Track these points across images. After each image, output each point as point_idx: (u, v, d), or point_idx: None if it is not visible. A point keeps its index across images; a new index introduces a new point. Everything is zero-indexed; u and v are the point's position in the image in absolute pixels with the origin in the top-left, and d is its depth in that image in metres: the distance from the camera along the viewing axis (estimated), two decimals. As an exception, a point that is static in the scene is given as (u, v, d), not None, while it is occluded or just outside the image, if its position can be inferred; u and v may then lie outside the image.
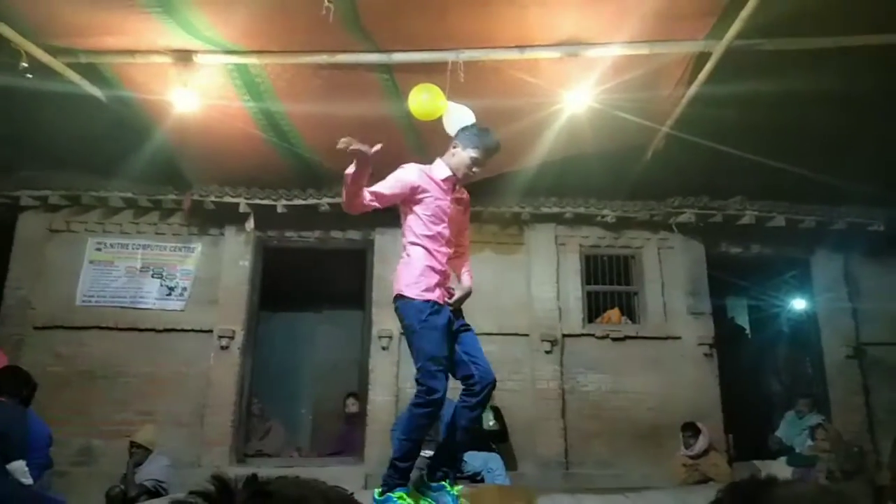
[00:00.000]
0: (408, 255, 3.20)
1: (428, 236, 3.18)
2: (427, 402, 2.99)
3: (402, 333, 6.67)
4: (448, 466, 3.28)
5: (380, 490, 3.09)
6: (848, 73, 4.55)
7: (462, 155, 3.24)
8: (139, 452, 5.53)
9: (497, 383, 6.69)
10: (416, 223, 3.20)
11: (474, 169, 3.26)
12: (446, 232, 3.22)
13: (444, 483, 3.18)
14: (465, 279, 3.38)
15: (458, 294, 3.30)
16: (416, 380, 3.05)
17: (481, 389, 3.11)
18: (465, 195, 3.43)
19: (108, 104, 5.27)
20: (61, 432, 5.75)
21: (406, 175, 3.20)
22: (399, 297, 3.15)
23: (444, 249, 3.21)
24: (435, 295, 3.11)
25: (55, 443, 5.02)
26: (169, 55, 4.61)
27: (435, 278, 3.14)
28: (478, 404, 3.15)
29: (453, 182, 3.28)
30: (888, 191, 6.41)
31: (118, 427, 6.24)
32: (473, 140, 3.25)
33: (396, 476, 3.07)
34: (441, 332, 3.06)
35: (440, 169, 3.27)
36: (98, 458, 6.23)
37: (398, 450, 3.13)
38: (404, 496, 3.02)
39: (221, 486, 0.73)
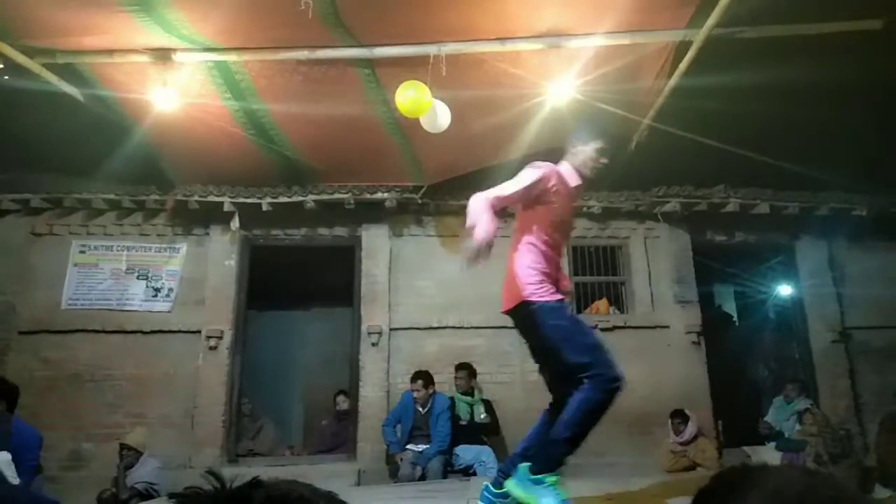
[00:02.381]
0: (527, 256, 3.03)
1: (548, 241, 3.04)
2: (612, 389, 2.82)
3: (391, 329, 6.73)
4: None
5: (531, 466, 2.91)
6: (828, 62, 4.58)
7: (586, 150, 3.11)
8: (130, 455, 5.50)
9: (488, 376, 6.75)
10: (541, 225, 3.03)
11: (602, 160, 3.12)
12: (563, 240, 3.16)
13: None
14: (567, 283, 3.29)
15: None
16: (590, 375, 2.83)
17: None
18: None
19: (88, 104, 5.21)
20: (51, 437, 5.71)
21: (541, 174, 2.99)
22: (528, 304, 2.96)
23: (557, 258, 3.12)
24: (560, 295, 3.02)
25: (45, 448, 4.99)
26: (148, 54, 4.57)
27: (552, 281, 3.04)
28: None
29: (580, 187, 3.17)
30: (870, 176, 6.48)
31: (108, 430, 6.21)
32: (592, 132, 3.15)
33: (556, 462, 2.89)
34: (580, 323, 3.01)
35: (571, 175, 3.12)
36: (89, 462, 6.19)
37: (570, 438, 2.87)
38: (557, 482, 2.87)
39: (215, 479, 0.76)
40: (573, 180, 3.12)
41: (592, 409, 2.84)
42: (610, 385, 2.82)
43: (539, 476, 2.86)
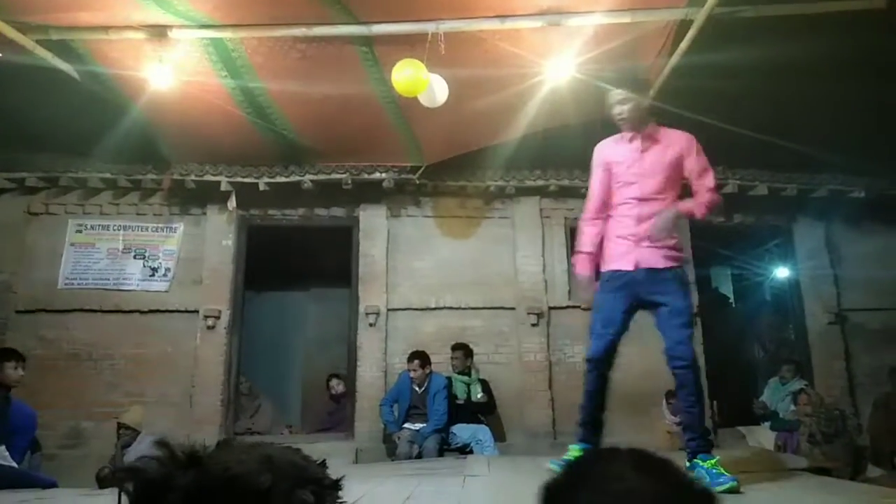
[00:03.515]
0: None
1: (617, 206, 3.30)
2: (586, 368, 3.28)
3: (389, 310, 6.76)
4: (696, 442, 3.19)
5: None
6: (828, 41, 4.54)
7: (612, 113, 3.32)
8: (127, 433, 5.52)
9: (485, 357, 6.78)
10: (611, 196, 3.34)
11: (620, 114, 3.25)
12: (637, 192, 3.23)
13: (695, 461, 3.09)
14: (637, 234, 3.22)
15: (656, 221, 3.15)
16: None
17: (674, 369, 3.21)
18: (662, 137, 3.27)
19: (83, 82, 5.16)
20: (49, 416, 5.77)
21: (594, 162, 3.41)
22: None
23: (634, 212, 3.22)
24: (615, 265, 3.24)
25: (43, 426, 5.02)
26: (143, 31, 4.51)
27: (620, 246, 3.23)
28: (679, 387, 3.22)
29: (630, 137, 3.30)
30: (868, 158, 6.46)
31: (106, 409, 6.24)
32: (609, 97, 3.33)
33: (578, 434, 3.32)
34: (608, 298, 3.24)
35: (619, 138, 3.36)
36: (88, 441, 6.23)
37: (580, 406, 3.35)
38: (575, 450, 3.18)
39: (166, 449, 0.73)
40: (624, 140, 3.31)
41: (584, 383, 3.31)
42: (586, 364, 3.28)
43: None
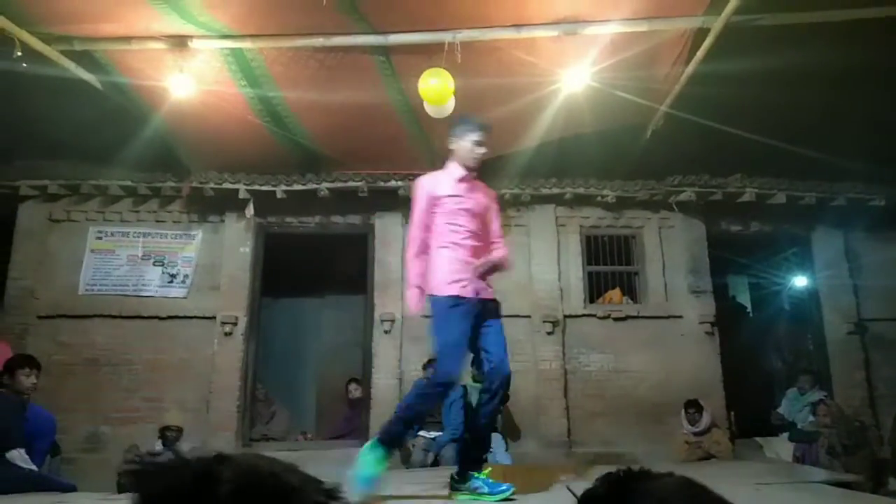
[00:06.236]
0: (434, 258, 3.33)
1: (451, 239, 3.30)
2: (433, 384, 3.25)
3: (404, 317, 6.77)
4: (473, 466, 3.30)
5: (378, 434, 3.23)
6: (847, 48, 4.52)
7: (463, 144, 3.34)
8: (172, 433, 5.60)
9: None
10: (441, 227, 3.31)
11: (478, 151, 3.36)
12: (471, 225, 3.32)
13: (472, 474, 3.23)
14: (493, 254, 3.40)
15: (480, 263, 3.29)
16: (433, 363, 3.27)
17: (490, 384, 3.24)
18: (487, 189, 3.52)
19: (105, 91, 5.25)
20: (68, 420, 5.84)
21: (418, 191, 3.35)
22: (429, 296, 3.34)
23: (468, 243, 3.30)
24: (456, 289, 3.23)
25: (62, 430, 5.08)
26: (164, 41, 4.59)
27: (459, 274, 3.25)
28: (491, 398, 3.25)
29: (467, 177, 3.37)
30: (888, 166, 6.39)
31: (125, 414, 6.32)
32: (467, 126, 3.38)
33: (390, 437, 3.18)
34: (457, 322, 3.19)
35: (454, 169, 3.39)
36: (106, 445, 6.29)
37: (401, 417, 3.27)
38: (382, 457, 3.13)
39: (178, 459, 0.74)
40: (456, 172, 3.36)
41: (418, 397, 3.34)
42: (434, 379, 3.26)
43: (375, 444, 3.09)
